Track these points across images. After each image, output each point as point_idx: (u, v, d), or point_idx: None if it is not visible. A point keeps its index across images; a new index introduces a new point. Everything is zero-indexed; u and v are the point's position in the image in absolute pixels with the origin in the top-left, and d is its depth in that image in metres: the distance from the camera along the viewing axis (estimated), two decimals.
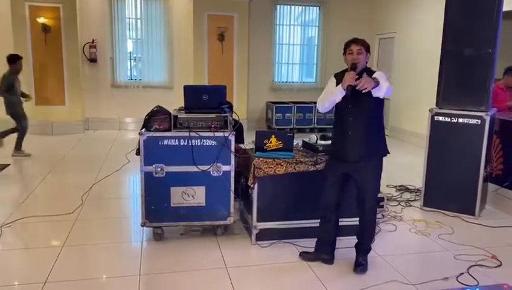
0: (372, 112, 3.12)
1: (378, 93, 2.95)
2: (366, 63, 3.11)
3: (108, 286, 3.10)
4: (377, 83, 2.90)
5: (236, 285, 3.06)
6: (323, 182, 3.31)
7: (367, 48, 3.10)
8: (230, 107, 3.92)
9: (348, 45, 3.11)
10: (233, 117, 3.91)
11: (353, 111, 3.07)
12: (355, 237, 3.37)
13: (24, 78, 8.45)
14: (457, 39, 4.45)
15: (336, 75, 3.20)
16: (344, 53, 3.14)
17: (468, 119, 4.42)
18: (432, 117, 4.61)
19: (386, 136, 3.37)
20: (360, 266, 3.26)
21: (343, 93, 2.98)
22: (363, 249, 3.32)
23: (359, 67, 3.02)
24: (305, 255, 3.41)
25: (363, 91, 2.85)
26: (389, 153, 3.24)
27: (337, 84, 3.08)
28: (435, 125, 4.61)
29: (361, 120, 3.08)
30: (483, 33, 4.32)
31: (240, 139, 4.31)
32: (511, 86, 5.75)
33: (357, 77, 2.93)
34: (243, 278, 3.18)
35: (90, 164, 6.37)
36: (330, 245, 3.37)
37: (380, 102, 3.10)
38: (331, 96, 3.09)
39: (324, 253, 3.37)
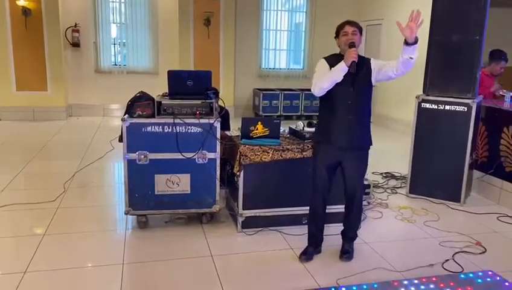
0: (368, 98, 3.11)
1: (411, 52, 2.74)
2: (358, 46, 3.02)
3: (91, 276, 3.03)
4: (417, 39, 2.75)
5: (222, 273, 3.02)
6: (314, 169, 3.23)
7: (360, 30, 3.02)
8: (216, 93, 3.85)
9: (341, 27, 3.02)
10: (219, 103, 3.84)
11: (353, 95, 3.00)
12: (338, 223, 3.35)
13: (4, 63, 8.26)
14: (445, 26, 4.42)
15: (326, 59, 3.10)
16: (336, 36, 3.05)
17: (455, 107, 4.42)
18: (419, 104, 4.60)
19: (372, 123, 3.34)
20: (347, 253, 3.25)
21: (346, 70, 2.90)
22: (350, 236, 3.31)
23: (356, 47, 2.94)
24: (304, 257, 3.22)
25: (414, 34, 2.70)
26: (372, 144, 3.22)
27: (331, 67, 2.99)
28: (421, 112, 4.60)
29: (359, 105, 3.04)
30: (470, 20, 4.30)
31: (225, 126, 4.25)
32: (497, 74, 5.76)
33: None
34: (229, 267, 3.16)
35: (73, 151, 6.24)
36: (321, 233, 3.33)
37: (371, 90, 3.10)
38: (332, 75, 2.93)
39: (316, 245, 3.31)
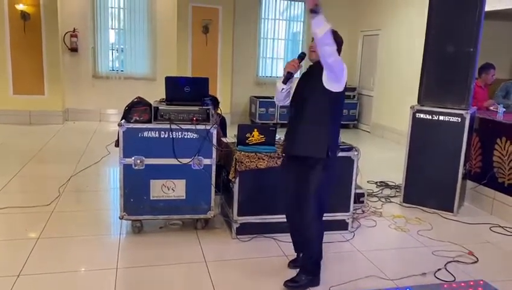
0: (319, 103, 2.79)
1: (314, 26, 2.56)
2: None
3: (84, 280, 3.03)
4: (317, 8, 2.52)
5: (216, 279, 3.03)
6: (283, 180, 3.12)
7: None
8: (215, 100, 3.87)
9: None
10: (217, 111, 3.87)
11: (296, 101, 2.93)
12: (332, 231, 3.32)
13: (1, 66, 8.27)
14: (440, 38, 4.49)
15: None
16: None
17: (449, 117, 4.47)
18: (414, 114, 4.65)
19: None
20: (292, 282, 2.95)
21: (281, 80, 2.94)
22: (300, 265, 3.08)
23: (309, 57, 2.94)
24: (292, 265, 3.22)
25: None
26: (329, 156, 2.79)
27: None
28: (416, 123, 4.64)
29: (305, 110, 2.82)
30: (465, 32, 4.36)
31: (222, 132, 4.28)
32: (490, 84, 5.85)
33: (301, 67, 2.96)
34: (222, 273, 3.16)
35: (69, 155, 6.24)
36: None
37: (326, 94, 2.76)
38: (276, 87, 3.04)
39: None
